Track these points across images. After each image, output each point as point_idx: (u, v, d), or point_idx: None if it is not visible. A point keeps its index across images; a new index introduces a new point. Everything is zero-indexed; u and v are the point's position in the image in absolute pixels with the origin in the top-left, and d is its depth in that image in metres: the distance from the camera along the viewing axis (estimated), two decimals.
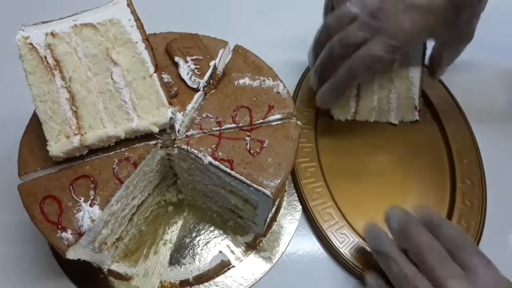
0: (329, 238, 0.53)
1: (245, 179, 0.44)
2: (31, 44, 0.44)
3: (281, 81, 0.51)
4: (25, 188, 0.43)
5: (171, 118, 0.45)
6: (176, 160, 0.50)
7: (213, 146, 0.46)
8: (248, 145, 0.46)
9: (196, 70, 0.50)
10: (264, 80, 0.51)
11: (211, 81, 0.50)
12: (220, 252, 0.54)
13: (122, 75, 0.44)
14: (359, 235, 0.54)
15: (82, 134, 0.43)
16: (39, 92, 0.43)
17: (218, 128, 0.47)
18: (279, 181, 0.44)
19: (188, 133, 0.47)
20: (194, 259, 0.53)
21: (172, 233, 0.55)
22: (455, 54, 0.57)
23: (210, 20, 0.77)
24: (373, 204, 0.56)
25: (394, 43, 0.48)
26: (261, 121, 0.48)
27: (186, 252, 0.53)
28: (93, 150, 0.44)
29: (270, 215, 0.53)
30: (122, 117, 0.44)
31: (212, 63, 0.50)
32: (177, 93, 0.49)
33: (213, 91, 0.50)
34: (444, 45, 0.56)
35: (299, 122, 0.48)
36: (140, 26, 0.46)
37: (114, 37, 0.45)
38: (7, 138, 0.52)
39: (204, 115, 0.48)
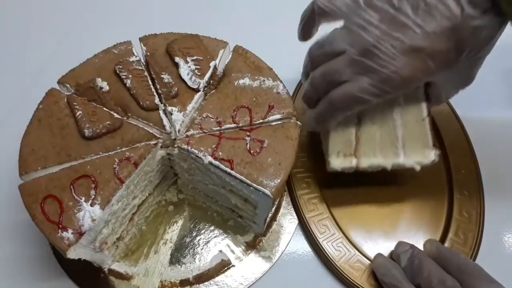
0: (325, 250, 0.53)
1: (245, 179, 0.44)
2: None
3: (281, 82, 0.51)
4: (26, 188, 0.43)
5: (433, 160, 0.51)
6: (177, 160, 0.50)
7: (213, 146, 0.46)
8: (248, 145, 0.46)
9: (196, 71, 0.50)
10: (264, 80, 0.51)
11: (211, 81, 0.51)
12: (220, 251, 0.54)
13: (400, 115, 0.51)
14: (356, 248, 0.53)
15: (357, 158, 0.51)
16: None
17: (218, 128, 0.48)
18: (279, 180, 0.44)
19: (189, 133, 0.47)
20: (194, 259, 0.53)
21: (173, 232, 0.55)
22: (451, 94, 0.52)
23: (210, 21, 0.77)
24: (371, 214, 0.57)
25: (386, 88, 0.41)
26: (261, 121, 0.48)
27: (186, 251, 0.54)
28: (94, 150, 0.45)
29: (270, 215, 0.54)
30: (391, 151, 0.51)
31: (212, 64, 0.51)
32: (177, 93, 0.49)
33: (213, 91, 0.50)
34: (439, 87, 0.50)
35: (298, 122, 0.48)
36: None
37: None
38: (7, 138, 0.52)
39: (204, 115, 0.48)
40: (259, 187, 0.43)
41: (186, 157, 0.48)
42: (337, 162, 0.52)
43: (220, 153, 0.45)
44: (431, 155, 0.51)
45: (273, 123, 0.48)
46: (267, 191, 0.43)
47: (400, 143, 0.51)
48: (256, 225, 0.53)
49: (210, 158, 0.45)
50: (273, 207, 0.50)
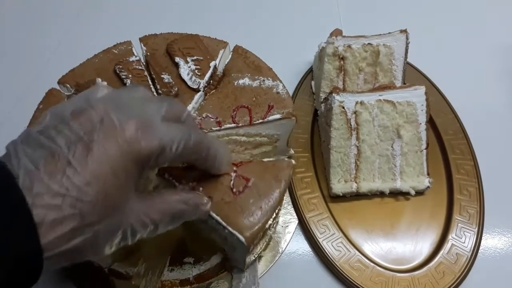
0: (325, 250, 0.53)
1: (220, 220, 0.40)
2: (343, 108, 0.55)
3: (281, 81, 0.51)
4: None
5: (427, 187, 0.57)
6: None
7: (195, 178, 0.41)
8: (232, 182, 0.41)
9: (196, 71, 0.50)
10: (263, 80, 0.51)
11: (211, 81, 0.51)
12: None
13: (400, 146, 0.56)
14: (356, 247, 0.53)
15: (357, 183, 0.56)
16: (337, 144, 0.56)
17: (218, 128, 0.48)
18: (256, 227, 0.39)
19: None
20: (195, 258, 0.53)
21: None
22: None
23: (210, 21, 0.77)
24: (370, 214, 0.57)
25: None
26: (260, 121, 0.48)
27: (186, 251, 0.54)
28: None
29: (251, 259, 0.49)
30: (389, 177, 0.57)
31: (212, 64, 0.51)
32: (177, 93, 0.49)
33: (213, 91, 0.51)
34: None
35: (293, 161, 0.44)
36: (428, 111, 0.56)
37: (406, 115, 0.55)
38: (7, 138, 0.52)
39: (204, 115, 0.48)
40: (234, 232, 0.39)
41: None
42: (339, 187, 0.56)
43: (201, 189, 0.41)
44: (425, 182, 0.57)
45: (265, 160, 0.45)
46: (241, 238, 0.39)
47: (398, 170, 0.56)
48: (237, 262, 0.50)
49: None
50: (248, 253, 0.45)
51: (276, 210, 0.43)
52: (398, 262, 0.54)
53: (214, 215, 0.40)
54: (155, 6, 0.80)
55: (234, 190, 0.41)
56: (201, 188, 0.41)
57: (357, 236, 0.55)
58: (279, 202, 0.41)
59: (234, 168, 0.42)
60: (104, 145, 0.27)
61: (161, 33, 0.54)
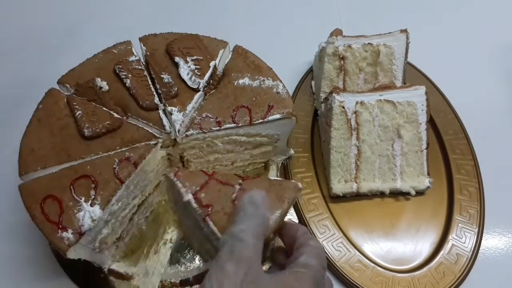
0: (325, 250, 0.53)
1: (215, 230, 0.39)
2: (343, 107, 0.54)
3: (281, 81, 0.51)
4: (26, 188, 0.43)
5: (428, 187, 0.57)
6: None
7: (200, 184, 0.41)
8: (235, 194, 0.40)
9: (196, 71, 0.50)
10: (263, 80, 0.51)
11: (211, 81, 0.51)
12: None
13: (401, 146, 0.56)
14: (356, 247, 0.53)
15: (357, 183, 0.56)
16: (337, 144, 0.55)
17: (217, 128, 0.47)
18: None
19: (188, 133, 0.47)
20: (194, 258, 0.53)
21: (173, 232, 0.55)
22: None
23: (210, 21, 0.77)
24: (371, 215, 0.57)
25: None
26: (260, 121, 0.48)
27: (186, 251, 0.53)
28: (94, 150, 0.45)
29: None
30: (389, 177, 0.57)
31: (212, 64, 0.51)
32: (177, 93, 0.49)
33: (213, 91, 0.50)
34: None
35: (300, 185, 0.42)
36: (428, 111, 0.56)
37: (406, 115, 0.56)
38: (7, 138, 0.52)
39: (204, 115, 0.48)
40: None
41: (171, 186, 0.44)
42: (339, 187, 0.56)
43: (203, 195, 0.40)
44: (425, 182, 0.57)
45: (272, 178, 0.44)
46: None
47: (398, 170, 0.57)
48: None
49: (190, 197, 0.40)
50: None
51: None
52: (398, 262, 0.54)
53: (211, 224, 0.39)
54: (155, 6, 0.80)
55: (236, 202, 0.40)
56: (203, 194, 0.40)
57: (357, 236, 0.55)
58: (277, 224, 0.39)
59: (239, 181, 0.41)
60: None
61: (161, 33, 0.54)
